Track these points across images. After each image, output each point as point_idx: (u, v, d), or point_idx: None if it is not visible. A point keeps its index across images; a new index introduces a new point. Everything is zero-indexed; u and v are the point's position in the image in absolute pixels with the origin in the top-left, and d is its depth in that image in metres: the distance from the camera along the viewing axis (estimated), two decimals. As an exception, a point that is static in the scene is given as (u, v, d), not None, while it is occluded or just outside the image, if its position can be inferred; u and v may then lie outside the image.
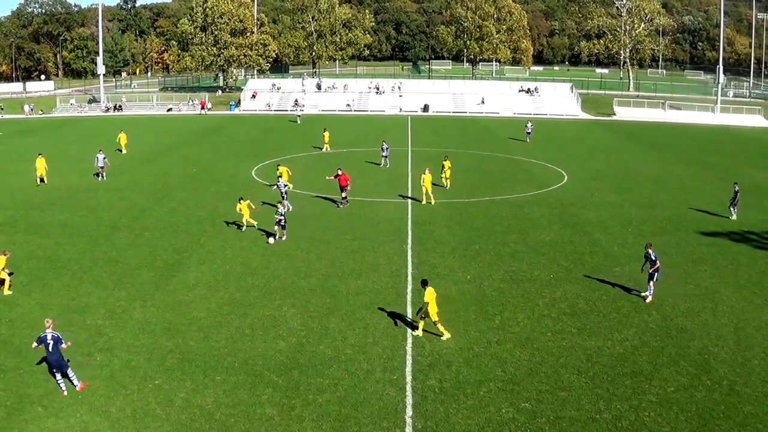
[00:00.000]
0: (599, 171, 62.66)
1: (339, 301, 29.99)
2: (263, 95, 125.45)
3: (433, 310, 25.87)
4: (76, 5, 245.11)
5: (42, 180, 56.97)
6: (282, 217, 38.18)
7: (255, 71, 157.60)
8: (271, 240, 37.88)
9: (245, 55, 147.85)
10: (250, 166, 63.19)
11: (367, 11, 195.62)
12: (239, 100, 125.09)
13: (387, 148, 61.40)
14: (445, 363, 24.17)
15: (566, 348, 25.53)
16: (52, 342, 22.29)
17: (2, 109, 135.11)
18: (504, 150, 74.44)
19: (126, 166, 65.00)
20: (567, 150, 75.72)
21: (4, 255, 31.91)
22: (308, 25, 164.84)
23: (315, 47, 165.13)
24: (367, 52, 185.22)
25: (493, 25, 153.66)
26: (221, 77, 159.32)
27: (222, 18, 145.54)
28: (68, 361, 22.53)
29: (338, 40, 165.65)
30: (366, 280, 32.60)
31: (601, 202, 49.20)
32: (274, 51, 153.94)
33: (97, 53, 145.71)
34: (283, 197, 43.99)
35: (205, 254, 37.24)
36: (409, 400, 21.56)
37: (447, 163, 52.09)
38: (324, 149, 71.67)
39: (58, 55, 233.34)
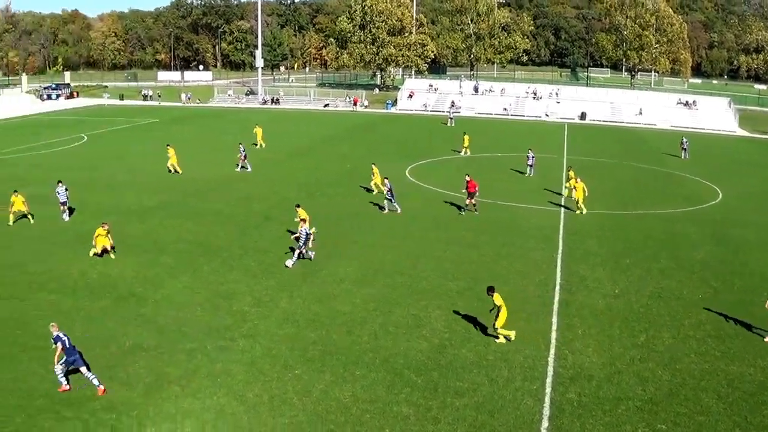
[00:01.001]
0: (756, 190, 62.71)
1: (485, 305, 30.97)
2: (420, 95, 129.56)
3: (503, 316, 27.68)
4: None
5: (174, 170, 62.19)
6: (303, 237, 36.99)
7: (412, 71, 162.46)
8: (288, 262, 36.86)
9: (403, 55, 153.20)
10: (404, 166, 66.15)
11: (526, 15, 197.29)
12: (396, 100, 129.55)
13: (533, 157, 62.20)
14: (586, 377, 25.24)
15: (708, 371, 26.20)
16: (69, 344, 24.09)
17: (160, 96, 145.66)
18: (659, 163, 74.86)
19: (279, 160, 69.66)
20: (723, 167, 75.94)
21: (103, 227, 37.14)
22: (467, 27, 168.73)
23: (473, 49, 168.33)
24: (525, 56, 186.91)
25: (653, 35, 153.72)
26: (379, 76, 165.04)
27: (380, 17, 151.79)
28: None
29: (497, 43, 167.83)
30: (513, 287, 34.00)
31: (757, 223, 49.58)
32: (432, 52, 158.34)
33: (255, 46, 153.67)
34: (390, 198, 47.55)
35: (354, 250, 39.96)
36: (546, 412, 22.78)
37: (572, 173, 53.02)
38: (462, 152, 73.88)
39: (216, 47, 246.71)
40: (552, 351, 27.43)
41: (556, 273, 36.64)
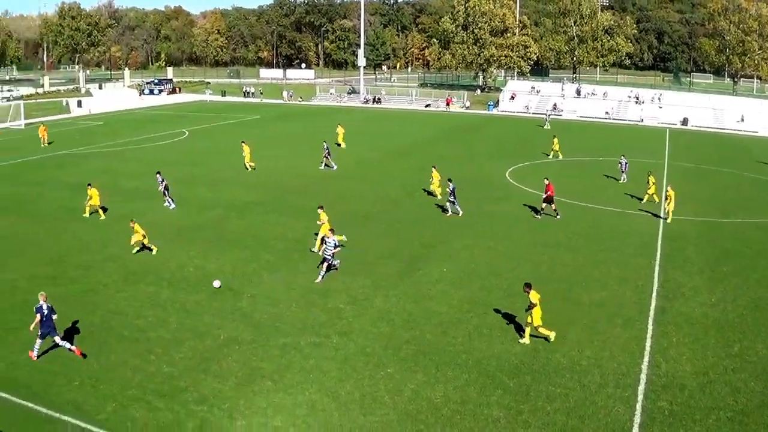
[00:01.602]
0: None
1: (580, 310, 31.41)
2: (522, 97, 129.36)
3: (537, 314, 27.78)
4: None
5: (249, 167, 63.49)
6: (332, 247, 35.26)
7: (515, 73, 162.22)
8: (318, 279, 35.02)
9: (505, 56, 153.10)
10: (504, 168, 66.05)
11: (628, 18, 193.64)
12: (498, 101, 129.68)
13: (626, 163, 61.00)
14: (679, 386, 24.87)
15: (801, 383, 25.64)
16: (47, 312, 26.43)
17: (262, 93, 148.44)
18: (760, 171, 72.63)
19: (380, 159, 70.42)
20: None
21: (132, 223, 38.46)
22: (570, 29, 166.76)
23: (576, 52, 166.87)
24: (627, 60, 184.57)
25: (755, 40, 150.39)
26: (481, 76, 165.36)
27: (483, 17, 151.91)
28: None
29: (599, 46, 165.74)
30: (609, 292, 33.86)
31: None
32: (534, 53, 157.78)
33: (358, 45, 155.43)
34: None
35: (451, 251, 40.15)
36: (637, 419, 22.59)
37: (652, 179, 52.45)
38: (551, 156, 73.16)
39: (319, 45, 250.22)
40: (646, 358, 27.12)
41: (653, 279, 36.15)
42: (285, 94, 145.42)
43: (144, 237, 38.81)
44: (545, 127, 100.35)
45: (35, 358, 26.68)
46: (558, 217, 47.44)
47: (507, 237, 42.90)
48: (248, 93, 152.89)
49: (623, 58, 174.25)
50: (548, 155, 73.20)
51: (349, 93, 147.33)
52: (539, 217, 47.89)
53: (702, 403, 23.88)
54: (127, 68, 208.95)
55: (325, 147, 65.91)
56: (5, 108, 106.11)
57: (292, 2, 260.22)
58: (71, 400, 23.60)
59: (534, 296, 28.04)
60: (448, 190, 47.84)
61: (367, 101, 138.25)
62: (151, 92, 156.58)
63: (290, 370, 25.79)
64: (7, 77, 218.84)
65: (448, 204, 48.12)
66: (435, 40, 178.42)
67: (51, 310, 26.88)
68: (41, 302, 26.84)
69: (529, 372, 25.72)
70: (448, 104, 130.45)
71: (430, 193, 53.59)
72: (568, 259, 38.99)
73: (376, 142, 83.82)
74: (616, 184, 58.93)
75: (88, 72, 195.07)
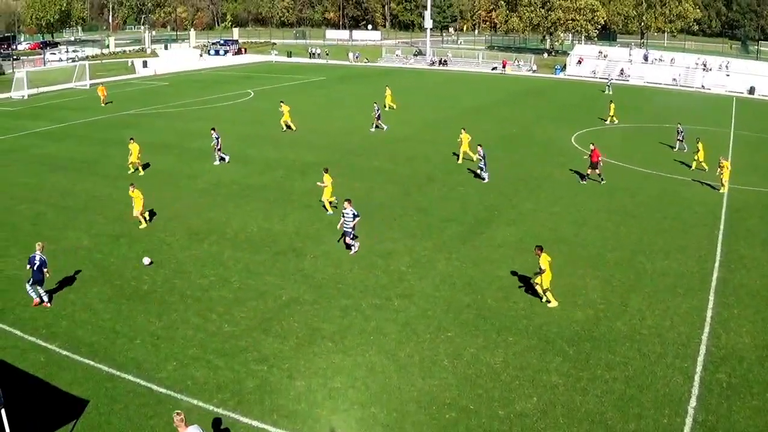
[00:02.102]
0: None
1: (643, 279, 31.08)
2: (589, 62, 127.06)
3: (547, 278, 27.91)
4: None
5: (288, 127, 64.02)
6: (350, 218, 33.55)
7: (582, 37, 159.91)
8: (353, 252, 33.91)
9: (572, 20, 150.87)
10: (570, 132, 65.21)
11: None
12: (565, 65, 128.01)
13: (682, 132, 59.67)
14: (738, 358, 24.52)
15: None
16: (38, 263, 27.62)
17: (328, 54, 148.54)
18: None
19: (445, 121, 69.81)
20: None
21: (132, 188, 37.36)
22: None
23: (644, 17, 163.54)
24: (696, 26, 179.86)
25: None
26: (548, 40, 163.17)
27: None
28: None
29: (667, 11, 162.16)
30: (672, 262, 33.38)
31: None
32: (602, 17, 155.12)
33: (425, 7, 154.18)
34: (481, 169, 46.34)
35: (515, 215, 40.01)
36: (695, 391, 22.32)
37: (700, 146, 51.18)
38: (608, 121, 71.51)
39: (386, 6, 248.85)
40: (706, 329, 26.78)
41: (716, 250, 35.51)
42: (351, 55, 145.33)
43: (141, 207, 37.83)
44: (607, 92, 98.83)
45: (48, 304, 28.24)
46: (603, 182, 46.93)
47: (572, 203, 42.54)
48: (314, 54, 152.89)
49: (691, 24, 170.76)
50: (605, 120, 72.00)
51: (415, 55, 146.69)
52: (584, 182, 47.41)
53: (760, 376, 23.53)
54: (192, 29, 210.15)
55: (376, 108, 66.10)
56: (70, 69, 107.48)
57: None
58: (132, 359, 24.08)
59: (544, 260, 27.99)
60: (479, 156, 47.34)
61: (433, 63, 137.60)
62: (217, 53, 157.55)
63: (351, 331, 25.99)
64: (73, 38, 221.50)
65: (479, 170, 47.67)
66: (502, 2, 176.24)
67: (42, 263, 27.94)
68: (36, 252, 28.05)
69: (589, 339, 25.61)
70: (504, 66, 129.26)
71: (456, 155, 53.32)
72: (633, 226, 38.53)
73: (441, 104, 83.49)
74: (679, 153, 57.68)
75: (153, 33, 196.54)
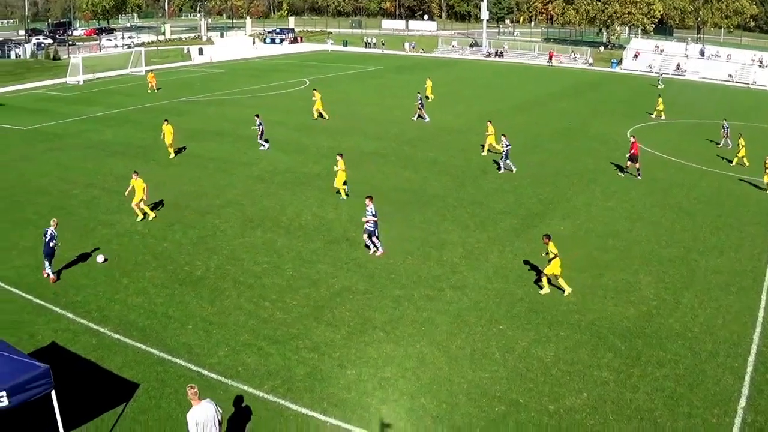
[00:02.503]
0: None
1: (696, 276, 30.82)
2: (645, 56, 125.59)
3: (557, 264, 28.25)
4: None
5: (321, 115, 64.30)
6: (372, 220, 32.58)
7: (639, 30, 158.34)
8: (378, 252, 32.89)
9: (629, 13, 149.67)
10: (625, 127, 64.34)
11: None
12: (621, 59, 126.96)
13: (727, 127, 58.84)
14: None
15: None
16: (48, 237, 28.99)
17: (383, 44, 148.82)
18: None
19: (500, 113, 69.47)
20: None
21: (134, 176, 36.97)
22: None
23: (701, 12, 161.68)
24: (752, 23, 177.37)
25: None
26: (604, 33, 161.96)
27: None
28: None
29: (724, 7, 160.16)
30: (726, 260, 33.03)
31: None
32: (658, 11, 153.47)
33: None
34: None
35: (569, 209, 39.87)
36: (745, 391, 22.05)
37: (742, 142, 50.57)
38: (654, 116, 70.52)
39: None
40: (758, 329, 26.46)
41: (770, 248, 35.17)
42: (407, 45, 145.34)
43: (142, 200, 37.29)
44: (659, 86, 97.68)
45: (53, 278, 29.75)
46: (639, 177, 46.44)
47: (626, 198, 42.23)
48: (369, 44, 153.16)
49: (748, 20, 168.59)
50: (651, 114, 71.16)
51: (471, 46, 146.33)
52: (622, 175, 47.20)
53: (813, 378, 23.21)
54: (248, 17, 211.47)
55: (419, 98, 66.32)
56: (126, 55, 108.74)
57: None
58: (184, 344, 24.43)
59: (552, 247, 28.42)
60: (502, 147, 47.11)
61: (489, 54, 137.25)
62: (273, 41, 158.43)
63: (402, 321, 26.08)
64: (128, 24, 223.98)
65: (501, 160, 47.47)
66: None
67: (52, 238, 29.16)
68: (50, 227, 29.37)
69: (641, 336, 25.45)
70: (550, 58, 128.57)
71: (484, 147, 52.72)
72: (687, 223, 38.17)
73: (497, 95, 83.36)
74: (723, 149, 56.80)
75: (209, 20, 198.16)
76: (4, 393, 16.21)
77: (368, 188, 41.60)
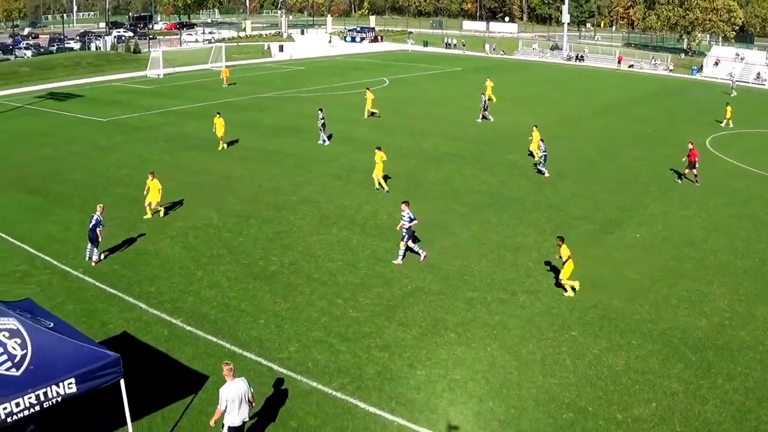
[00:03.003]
0: None
1: None
2: (726, 63, 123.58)
3: (569, 267, 28.44)
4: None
5: (372, 114, 64.31)
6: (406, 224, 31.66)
7: (720, 38, 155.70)
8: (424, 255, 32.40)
9: (710, 20, 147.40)
10: (704, 135, 62.98)
11: None
12: (701, 66, 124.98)
13: None
14: None
15: None
16: (94, 222, 30.43)
17: (464, 45, 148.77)
18: None
19: (579, 117, 69.55)
20: None
21: (151, 176, 36.73)
22: None
23: None
24: None
25: None
26: (685, 40, 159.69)
27: None
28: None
29: None
30: (804, 273, 32.44)
31: None
32: (739, 19, 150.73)
33: (563, 1, 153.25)
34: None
35: (646, 216, 39.44)
36: None
37: None
38: (723, 124, 68.90)
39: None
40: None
41: None
42: (487, 47, 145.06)
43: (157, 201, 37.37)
44: (731, 94, 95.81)
45: (95, 261, 31.17)
46: (697, 184, 45.97)
47: (703, 207, 41.69)
48: (450, 44, 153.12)
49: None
50: (720, 123, 69.89)
51: (551, 49, 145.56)
52: (680, 181, 46.67)
53: None
54: (329, 15, 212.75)
55: (483, 100, 66.62)
56: (206, 50, 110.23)
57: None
58: (255, 338, 24.82)
59: (564, 250, 28.79)
60: (540, 152, 46.96)
61: (569, 58, 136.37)
62: (353, 40, 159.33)
63: (474, 324, 26.13)
64: (209, 20, 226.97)
65: (540, 166, 47.20)
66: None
67: (98, 223, 30.44)
68: (96, 213, 30.71)
69: (712, 347, 25.16)
70: (619, 62, 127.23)
71: (531, 154, 51.93)
72: (764, 234, 37.53)
73: (576, 99, 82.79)
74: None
75: (290, 17, 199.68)
76: (72, 380, 16.53)
77: (446, 189, 42.27)
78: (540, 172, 47.03)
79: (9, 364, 16.20)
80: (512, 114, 68.11)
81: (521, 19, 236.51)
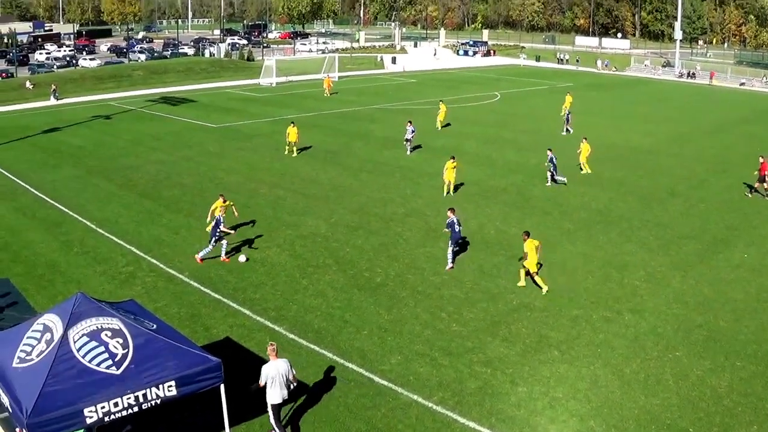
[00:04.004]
0: None
1: None
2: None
3: (532, 262, 29.69)
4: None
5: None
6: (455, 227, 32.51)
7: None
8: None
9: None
10: None
11: None
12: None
13: None
14: None
15: None
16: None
17: (578, 61, 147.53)
18: None
19: (692, 135, 68.11)
20: None
21: (221, 199, 34.89)
22: None
23: None
24: None
25: None
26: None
27: None
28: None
29: None
30: None
31: None
32: None
33: (675, 18, 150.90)
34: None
35: (755, 236, 38.52)
36: None
37: None
38: None
39: (636, 15, 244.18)
40: None
41: None
42: (599, 62, 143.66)
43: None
44: None
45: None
46: (767, 197, 45.24)
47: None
48: (562, 60, 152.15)
49: None
50: None
51: (663, 66, 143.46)
52: (750, 195, 45.91)
53: None
54: (442, 28, 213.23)
55: (567, 112, 67.57)
56: (320, 60, 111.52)
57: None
58: (358, 348, 24.96)
59: (529, 245, 30.11)
60: (549, 160, 47.09)
61: (681, 75, 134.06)
62: (466, 53, 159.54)
63: (578, 342, 25.89)
64: (323, 30, 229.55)
65: (552, 172, 47.16)
66: (752, 16, 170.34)
67: (218, 222, 31.92)
68: (219, 215, 31.47)
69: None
70: (711, 78, 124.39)
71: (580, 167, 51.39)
72: None
73: (687, 116, 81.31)
74: None
75: (403, 29, 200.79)
76: (173, 382, 16.83)
77: (554, 205, 42.00)
78: (555, 180, 47.13)
79: (110, 362, 16.56)
80: (623, 131, 67.32)
81: (633, 35, 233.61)
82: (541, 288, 29.80)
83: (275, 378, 18.98)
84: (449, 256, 32.56)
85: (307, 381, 22.63)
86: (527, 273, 30.28)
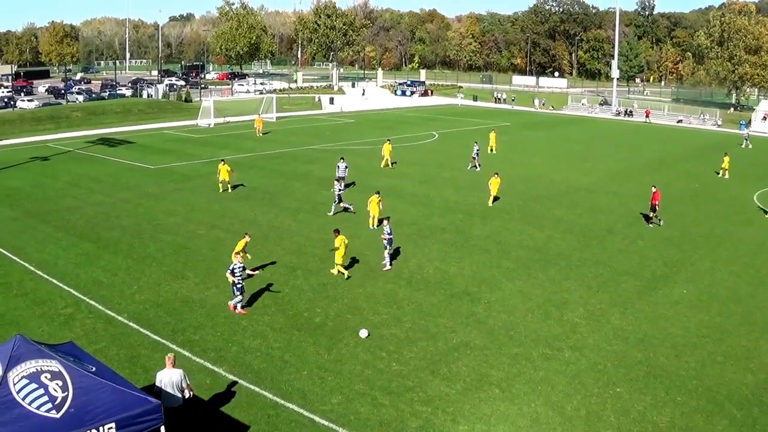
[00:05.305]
0: None
1: None
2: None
3: (340, 254, 35.27)
4: (593, 7, 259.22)
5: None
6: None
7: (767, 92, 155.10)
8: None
9: (758, 74, 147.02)
10: (753, 190, 62.95)
11: None
12: (750, 120, 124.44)
13: None
14: None
15: None
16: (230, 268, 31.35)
17: (514, 100, 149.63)
18: None
19: (629, 173, 69.56)
20: None
21: (245, 238, 35.78)
22: None
23: None
24: None
25: None
26: (734, 94, 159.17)
27: (738, 34, 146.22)
28: None
29: None
30: None
31: None
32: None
33: (612, 56, 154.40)
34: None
35: (693, 272, 39.22)
36: None
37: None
38: (721, 174, 69.53)
39: (573, 54, 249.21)
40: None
41: None
42: (536, 102, 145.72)
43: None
44: (743, 146, 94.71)
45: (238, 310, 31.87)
46: (661, 225, 47.39)
47: (751, 263, 41.38)
48: (499, 99, 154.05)
49: None
50: (718, 173, 69.65)
51: (600, 104, 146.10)
52: (650, 225, 47.88)
53: None
54: (380, 68, 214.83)
55: (476, 149, 69.05)
56: (258, 100, 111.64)
57: (547, 10, 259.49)
58: (298, 389, 24.85)
59: (338, 240, 35.36)
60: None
61: (618, 113, 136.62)
62: (403, 93, 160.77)
63: (519, 380, 26.03)
64: (261, 71, 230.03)
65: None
66: (689, 54, 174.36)
67: (232, 269, 31.40)
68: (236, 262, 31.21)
69: (758, 404, 24.90)
70: (647, 116, 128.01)
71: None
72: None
73: (624, 154, 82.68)
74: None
75: (341, 70, 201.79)
76: (113, 425, 16.69)
77: (493, 243, 42.21)
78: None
79: (49, 405, 16.40)
80: (561, 169, 68.24)
81: (571, 74, 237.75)
82: (334, 269, 35.80)
83: (167, 384, 20.69)
84: (386, 256, 38.16)
85: (247, 422, 22.50)
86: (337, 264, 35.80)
